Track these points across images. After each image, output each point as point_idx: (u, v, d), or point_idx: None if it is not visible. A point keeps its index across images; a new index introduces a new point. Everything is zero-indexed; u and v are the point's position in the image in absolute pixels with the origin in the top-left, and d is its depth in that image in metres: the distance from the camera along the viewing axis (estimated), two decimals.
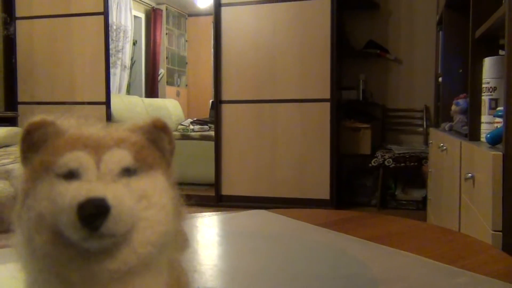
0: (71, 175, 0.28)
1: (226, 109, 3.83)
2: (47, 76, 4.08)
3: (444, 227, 0.81)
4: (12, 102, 4.16)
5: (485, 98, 1.40)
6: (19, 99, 4.14)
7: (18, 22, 4.09)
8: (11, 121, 3.80)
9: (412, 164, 3.61)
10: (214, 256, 0.72)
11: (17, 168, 2.52)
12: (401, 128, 4.20)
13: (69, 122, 0.31)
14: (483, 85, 1.41)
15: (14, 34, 4.09)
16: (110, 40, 4.10)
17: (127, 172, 0.29)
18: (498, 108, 1.32)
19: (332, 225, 0.78)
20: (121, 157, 0.29)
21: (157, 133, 0.32)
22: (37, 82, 4.10)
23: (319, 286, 0.55)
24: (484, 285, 0.54)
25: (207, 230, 0.85)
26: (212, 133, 4.13)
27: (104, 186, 0.28)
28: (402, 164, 3.63)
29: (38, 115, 0.29)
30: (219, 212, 0.93)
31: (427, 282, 0.55)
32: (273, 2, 3.70)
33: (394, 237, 0.73)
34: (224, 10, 3.79)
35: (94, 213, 0.26)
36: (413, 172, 3.76)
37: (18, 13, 4.09)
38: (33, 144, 0.29)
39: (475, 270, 0.57)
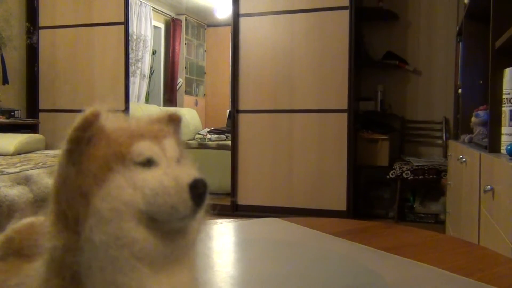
0: (149, 163, 0.30)
1: (243, 118, 3.83)
2: (68, 84, 4.15)
3: (462, 239, 0.79)
4: (33, 109, 4.24)
5: (506, 109, 1.37)
6: (41, 107, 4.21)
7: (41, 31, 4.18)
8: (32, 128, 3.87)
9: (431, 176, 3.56)
10: (225, 263, 0.72)
11: (36, 174, 2.55)
12: (420, 140, 4.15)
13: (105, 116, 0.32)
14: (504, 96, 1.38)
15: (37, 43, 4.18)
16: (130, 49, 4.16)
17: (179, 159, 0.32)
18: None
19: (345, 234, 0.77)
20: (174, 146, 0.32)
21: (175, 125, 0.35)
22: (58, 90, 4.17)
23: None
24: None
25: (219, 237, 0.85)
26: (229, 142, 4.13)
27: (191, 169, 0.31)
28: (421, 177, 3.58)
29: (92, 106, 0.30)
30: (231, 220, 0.93)
31: None
32: (291, 13, 3.71)
33: (409, 248, 0.72)
34: (243, 21, 3.81)
35: (203, 191, 0.30)
36: (432, 185, 3.70)
37: (42, 23, 4.18)
38: (88, 135, 0.29)
39: (492, 283, 0.56)
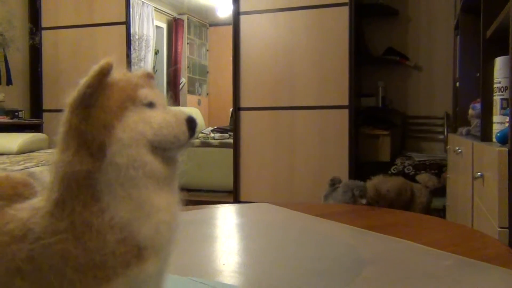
0: (151, 105, 0.38)
1: (244, 116, 3.85)
2: (71, 84, 4.12)
3: (442, 219, 0.81)
4: (37, 109, 4.28)
5: (497, 98, 1.39)
6: (44, 107, 4.25)
7: (43, 32, 4.22)
8: (36, 128, 3.91)
9: (433, 171, 3.55)
10: (217, 243, 0.74)
11: (39, 171, 2.59)
12: (422, 135, 4.15)
13: None
14: (495, 85, 1.40)
15: (40, 43, 4.22)
16: (132, 49, 4.19)
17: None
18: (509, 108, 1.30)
19: (330, 216, 0.79)
20: (162, 94, 0.40)
21: (153, 81, 0.43)
22: (61, 90, 4.20)
23: (305, 266, 0.56)
24: (469, 267, 0.54)
25: (213, 219, 0.87)
26: (231, 140, 4.15)
27: None
28: (422, 172, 3.58)
29: (106, 58, 0.36)
30: (224, 205, 0.95)
31: (412, 264, 0.56)
32: (291, 10, 3.72)
33: (389, 227, 0.73)
34: (243, 19, 3.84)
35: (195, 124, 0.39)
36: None
37: (44, 24, 4.22)
38: (104, 81, 0.36)
39: (464, 254, 0.57)
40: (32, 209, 0.36)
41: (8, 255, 0.34)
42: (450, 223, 0.77)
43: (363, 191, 2.76)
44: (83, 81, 0.36)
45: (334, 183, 2.84)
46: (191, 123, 0.39)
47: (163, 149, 0.37)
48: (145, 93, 0.38)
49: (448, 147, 2.70)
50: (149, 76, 0.41)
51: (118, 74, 0.38)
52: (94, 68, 0.36)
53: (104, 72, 0.36)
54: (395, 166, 3.66)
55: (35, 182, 0.41)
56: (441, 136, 4.06)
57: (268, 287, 0.53)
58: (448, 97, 3.91)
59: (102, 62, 0.36)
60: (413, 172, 3.56)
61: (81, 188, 0.35)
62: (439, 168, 3.51)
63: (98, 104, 0.36)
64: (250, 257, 0.65)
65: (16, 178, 0.40)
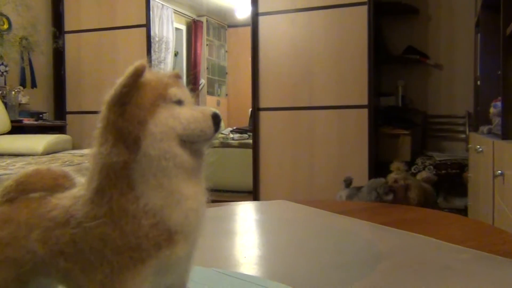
0: (179, 102, 0.41)
1: (263, 116, 3.87)
2: (93, 86, 4.26)
3: (459, 215, 0.81)
4: (61, 111, 4.38)
5: None
6: (67, 109, 4.34)
7: (66, 35, 4.32)
8: (60, 130, 4.00)
9: (454, 171, 3.52)
10: (239, 238, 0.76)
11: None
12: (443, 135, 4.11)
13: None
14: None
15: (63, 47, 4.31)
16: (152, 51, 4.25)
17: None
18: None
19: (348, 212, 0.80)
20: (189, 93, 0.44)
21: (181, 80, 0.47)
22: (84, 92, 4.29)
23: (323, 259, 0.58)
24: (486, 260, 0.55)
25: (234, 216, 0.89)
26: (251, 141, 4.17)
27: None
28: (444, 172, 3.55)
29: (138, 61, 0.40)
30: (244, 202, 0.97)
31: (428, 257, 0.57)
32: (309, 10, 3.73)
33: (408, 223, 0.74)
34: (262, 19, 3.86)
35: (220, 120, 0.42)
36: (455, 179, 3.65)
37: (67, 27, 4.31)
38: (139, 81, 0.40)
39: (481, 249, 0.58)
40: (73, 197, 0.40)
41: (53, 239, 0.38)
42: (468, 219, 0.78)
43: (387, 187, 2.74)
44: (120, 81, 0.39)
45: (348, 184, 2.85)
46: (216, 118, 0.42)
47: (191, 142, 0.41)
48: (174, 91, 0.42)
49: (469, 146, 2.67)
50: (177, 76, 0.45)
51: (150, 74, 0.42)
52: (129, 69, 0.39)
53: (138, 73, 0.40)
54: (415, 166, 3.63)
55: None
56: (463, 135, 4.01)
57: (288, 279, 0.55)
58: (469, 95, 3.86)
59: (137, 64, 0.40)
60: (434, 172, 3.53)
61: (118, 178, 0.38)
62: (460, 168, 3.48)
63: (133, 101, 0.39)
64: (270, 251, 0.67)
65: (56, 171, 0.44)
